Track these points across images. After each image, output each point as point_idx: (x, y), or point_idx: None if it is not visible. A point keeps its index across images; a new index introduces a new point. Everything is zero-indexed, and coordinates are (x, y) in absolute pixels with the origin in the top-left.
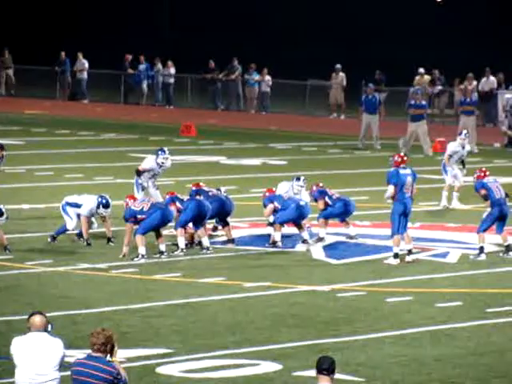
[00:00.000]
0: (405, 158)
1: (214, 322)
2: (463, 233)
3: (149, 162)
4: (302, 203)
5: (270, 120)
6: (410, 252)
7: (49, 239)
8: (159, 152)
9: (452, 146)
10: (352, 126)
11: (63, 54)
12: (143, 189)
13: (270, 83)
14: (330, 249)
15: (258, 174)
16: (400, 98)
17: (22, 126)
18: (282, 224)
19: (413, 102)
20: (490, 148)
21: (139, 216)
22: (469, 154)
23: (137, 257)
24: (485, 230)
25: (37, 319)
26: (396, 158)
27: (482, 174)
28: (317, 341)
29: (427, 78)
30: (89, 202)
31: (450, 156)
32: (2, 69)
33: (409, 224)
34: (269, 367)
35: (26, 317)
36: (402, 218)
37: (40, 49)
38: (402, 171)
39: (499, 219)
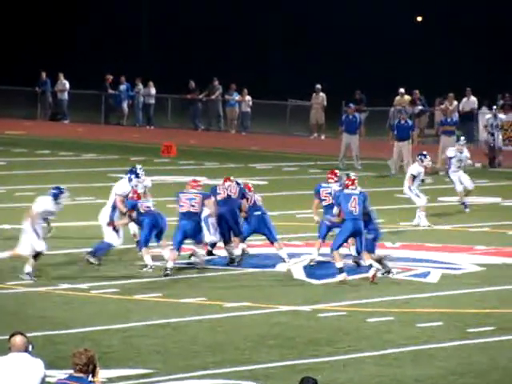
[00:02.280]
0: (355, 181)
1: (195, 342)
2: (444, 253)
3: (123, 187)
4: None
5: (250, 140)
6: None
7: (92, 260)
8: (130, 176)
9: (415, 167)
10: (333, 146)
11: (44, 74)
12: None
13: (251, 103)
14: (310, 269)
15: None
16: (379, 118)
17: (2, 146)
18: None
19: (397, 122)
20: (471, 168)
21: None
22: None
23: (145, 266)
24: (339, 247)
25: (17, 339)
26: (346, 180)
27: (350, 183)
28: (298, 361)
29: (407, 98)
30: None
31: (414, 177)
32: None
33: (383, 243)
34: None
35: (7, 337)
36: (356, 238)
37: (20, 69)
38: (346, 191)
39: (354, 235)
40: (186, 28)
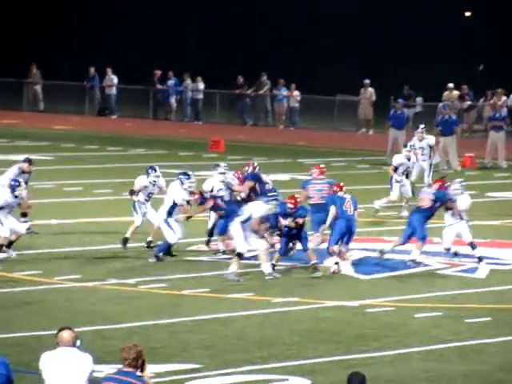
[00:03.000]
0: (343, 188)
1: (242, 337)
2: (492, 248)
3: (141, 181)
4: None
5: (298, 135)
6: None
7: (153, 259)
8: (149, 170)
9: (398, 159)
10: (381, 142)
11: (92, 69)
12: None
13: (299, 98)
14: (358, 264)
15: (286, 189)
16: (428, 114)
17: (51, 141)
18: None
19: (441, 118)
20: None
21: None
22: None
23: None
24: (336, 243)
25: (65, 334)
26: (334, 187)
27: (338, 189)
28: (345, 356)
29: (456, 93)
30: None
31: (396, 168)
32: (29, 85)
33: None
34: (297, 383)
35: (55, 332)
36: (346, 235)
37: (69, 64)
38: (340, 194)
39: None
40: (234, 23)
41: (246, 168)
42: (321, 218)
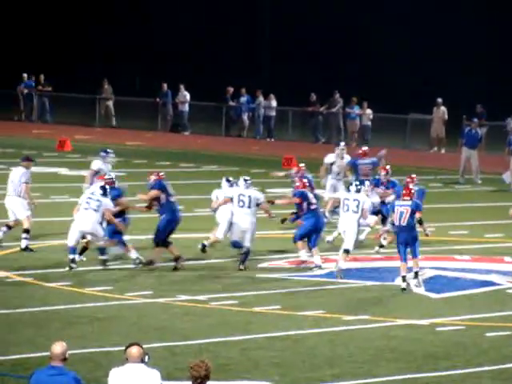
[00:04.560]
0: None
1: (313, 354)
2: None
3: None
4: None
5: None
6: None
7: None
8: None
9: (330, 157)
10: (452, 161)
11: (165, 85)
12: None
13: (371, 117)
14: (429, 283)
15: None
16: (499, 133)
17: (123, 156)
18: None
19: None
20: None
21: None
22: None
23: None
24: (301, 238)
25: (134, 350)
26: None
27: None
28: (416, 375)
29: None
30: None
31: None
32: (102, 100)
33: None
34: None
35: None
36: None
37: (142, 81)
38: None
39: (315, 231)
40: (307, 41)
41: (152, 177)
42: None
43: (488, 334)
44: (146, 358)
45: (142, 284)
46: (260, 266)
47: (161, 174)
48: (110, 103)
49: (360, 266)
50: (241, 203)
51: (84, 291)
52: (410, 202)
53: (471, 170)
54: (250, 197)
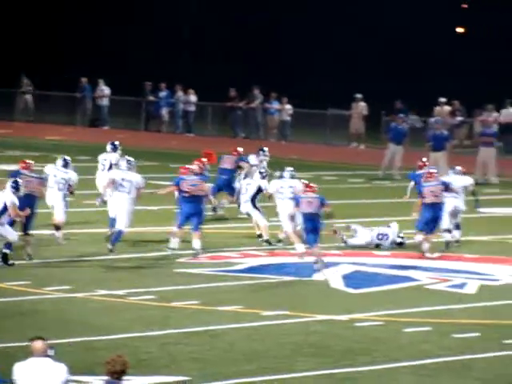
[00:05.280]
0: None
1: (232, 350)
2: (482, 264)
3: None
4: None
5: (290, 149)
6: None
7: None
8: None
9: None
10: (372, 156)
11: (84, 80)
12: None
13: (291, 112)
14: (348, 278)
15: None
16: (420, 129)
17: (42, 151)
18: None
19: (432, 133)
20: (510, 179)
21: None
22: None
23: None
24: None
25: (37, 344)
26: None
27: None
28: (334, 370)
29: (447, 108)
30: None
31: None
32: (20, 94)
33: (427, 254)
34: None
35: (47, 341)
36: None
37: (60, 75)
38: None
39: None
40: (227, 36)
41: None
42: None
43: (406, 330)
44: (51, 351)
45: (61, 279)
46: (179, 260)
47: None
48: (29, 97)
49: (278, 261)
50: (121, 188)
51: (2, 285)
52: (316, 195)
53: (394, 165)
54: (131, 181)
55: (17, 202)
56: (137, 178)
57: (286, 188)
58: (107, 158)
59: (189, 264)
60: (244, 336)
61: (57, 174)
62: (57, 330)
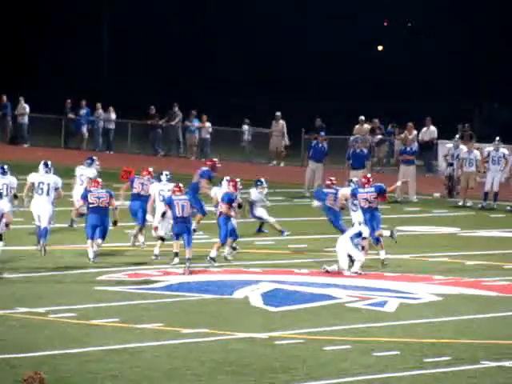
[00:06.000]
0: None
1: (152, 367)
2: (402, 282)
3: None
4: None
5: None
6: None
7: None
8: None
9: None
10: (292, 174)
11: (4, 97)
12: None
13: (210, 130)
14: (268, 296)
15: None
16: (340, 147)
17: None
18: None
19: (352, 151)
20: (430, 198)
21: None
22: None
23: None
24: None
25: None
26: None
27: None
28: None
29: (367, 126)
30: None
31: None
32: None
33: (346, 272)
34: None
35: None
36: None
37: None
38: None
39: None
40: (146, 54)
41: None
42: None
43: (326, 348)
44: None
45: None
46: (99, 278)
47: None
48: None
49: (198, 279)
50: (40, 191)
51: None
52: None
53: (314, 183)
54: (48, 184)
55: None
56: (54, 179)
57: (166, 191)
58: (84, 173)
59: (109, 282)
60: (164, 354)
61: None
62: None
